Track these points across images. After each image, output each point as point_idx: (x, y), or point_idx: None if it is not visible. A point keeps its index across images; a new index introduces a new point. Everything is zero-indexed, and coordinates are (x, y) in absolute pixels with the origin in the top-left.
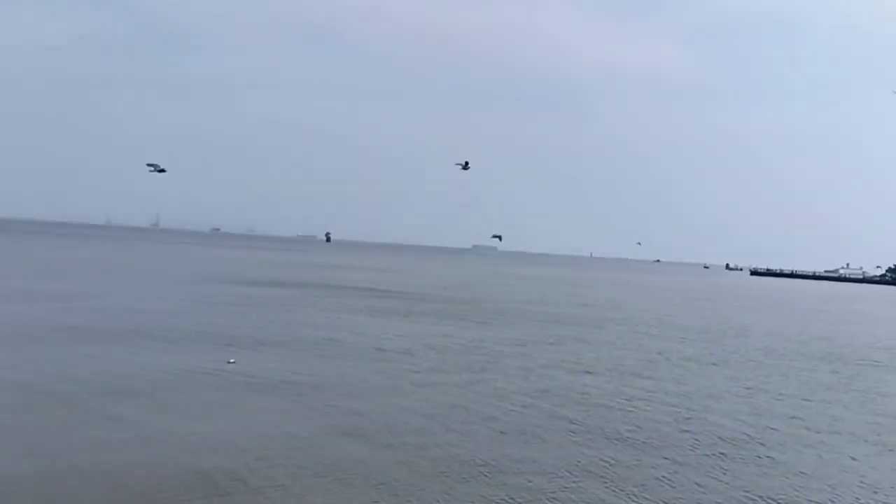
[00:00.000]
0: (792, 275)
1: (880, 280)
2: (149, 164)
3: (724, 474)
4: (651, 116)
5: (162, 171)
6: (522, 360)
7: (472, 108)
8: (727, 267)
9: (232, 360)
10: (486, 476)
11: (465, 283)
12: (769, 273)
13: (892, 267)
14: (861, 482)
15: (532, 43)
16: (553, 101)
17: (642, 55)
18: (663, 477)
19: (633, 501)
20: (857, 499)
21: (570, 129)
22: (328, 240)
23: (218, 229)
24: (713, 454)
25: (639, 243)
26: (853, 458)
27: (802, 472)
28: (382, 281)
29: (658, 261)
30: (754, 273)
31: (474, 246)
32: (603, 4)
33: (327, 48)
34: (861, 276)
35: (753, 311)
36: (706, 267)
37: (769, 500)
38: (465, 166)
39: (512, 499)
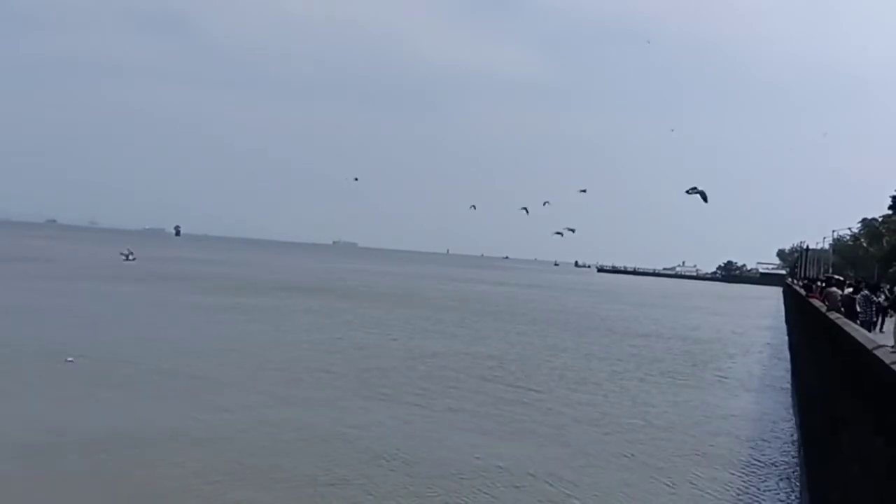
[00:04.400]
0: (635, 272)
1: (711, 277)
2: None
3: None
4: (504, 117)
5: None
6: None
7: (324, 99)
8: (576, 264)
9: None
10: None
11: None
12: (615, 270)
13: (722, 265)
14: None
15: (383, 38)
16: (403, 98)
17: (497, 57)
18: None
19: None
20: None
21: (422, 126)
22: (178, 233)
23: (54, 220)
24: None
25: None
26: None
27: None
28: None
29: (507, 257)
30: (601, 270)
31: (335, 242)
32: (459, 5)
33: (178, 36)
34: (695, 274)
35: (605, 301)
36: (556, 264)
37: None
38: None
39: None
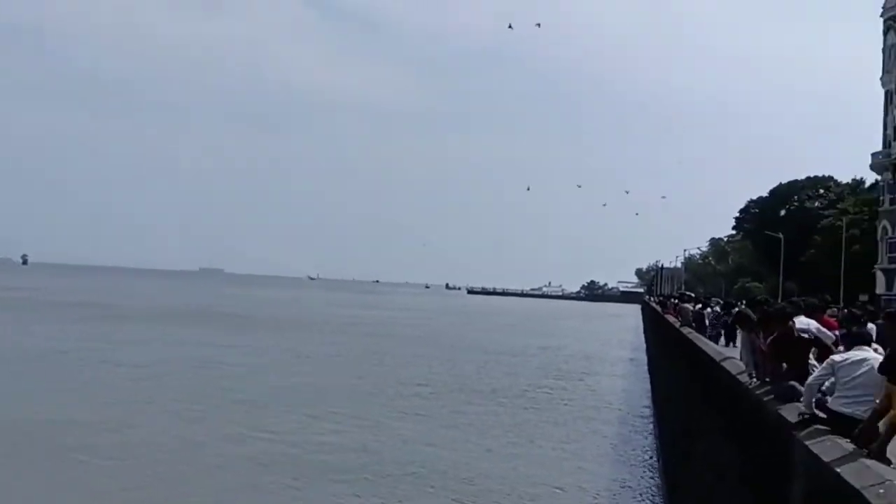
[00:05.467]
0: (504, 293)
1: (576, 296)
2: None
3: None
4: (378, 141)
5: None
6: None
7: (186, 123)
8: (447, 286)
9: None
10: None
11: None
12: (484, 292)
13: (586, 284)
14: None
15: (255, 61)
16: (278, 120)
17: (371, 83)
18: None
19: None
20: None
21: (294, 150)
22: (25, 262)
23: None
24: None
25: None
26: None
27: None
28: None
29: (377, 281)
30: (471, 292)
31: (201, 269)
32: (333, 28)
33: (30, 54)
34: (561, 293)
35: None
36: (427, 287)
37: None
38: None
39: None
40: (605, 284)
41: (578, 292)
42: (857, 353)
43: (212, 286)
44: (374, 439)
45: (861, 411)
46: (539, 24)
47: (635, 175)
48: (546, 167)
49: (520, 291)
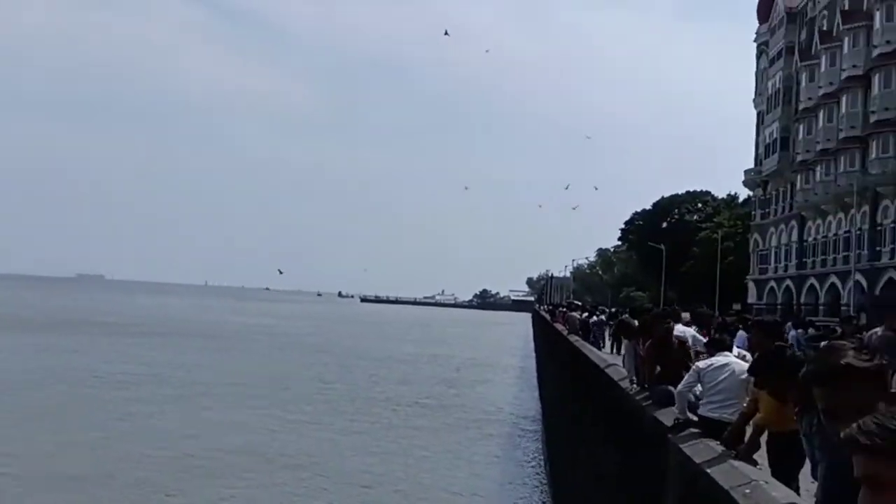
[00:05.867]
0: (397, 301)
1: (468, 304)
2: None
3: None
4: (269, 145)
5: None
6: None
7: (63, 120)
8: (340, 294)
9: None
10: None
11: None
12: (377, 300)
13: (478, 293)
14: None
15: (144, 57)
16: (156, 119)
17: (263, 85)
18: None
19: None
20: None
21: (181, 151)
22: None
23: None
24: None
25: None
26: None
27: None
28: None
29: (267, 289)
30: (364, 300)
31: (79, 275)
32: (224, 30)
33: None
34: (453, 302)
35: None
36: (319, 294)
37: None
38: None
39: None
40: (497, 293)
41: (471, 301)
42: (719, 359)
43: (91, 293)
44: (267, 448)
45: (727, 415)
46: (447, 33)
47: (530, 185)
48: (439, 176)
49: (413, 300)
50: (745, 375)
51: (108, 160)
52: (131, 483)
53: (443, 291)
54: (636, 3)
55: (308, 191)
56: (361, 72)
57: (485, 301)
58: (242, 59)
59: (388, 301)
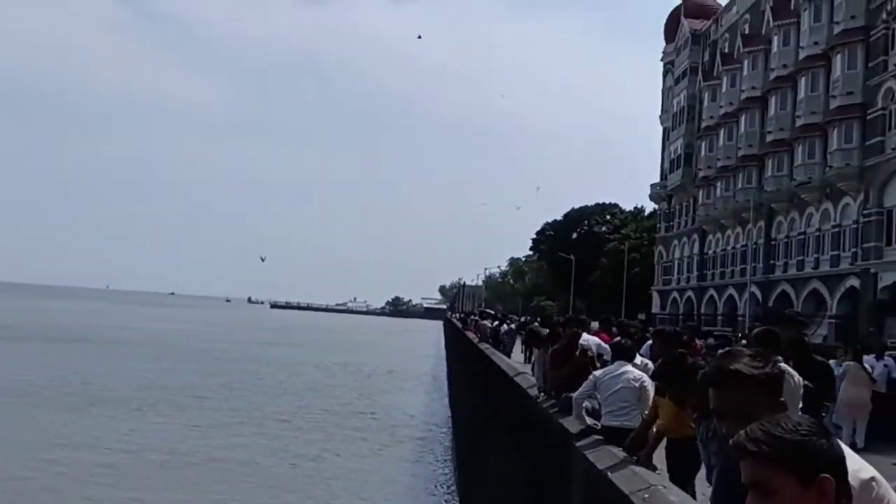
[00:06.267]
0: (308, 307)
1: (380, 312)
2: None
3: None
4: (181, 145)
5: None
6: None
7: None
8: (249, 300)
9: None
10: None
11: None
12: (288, 306)
13: (390, 300)
14: None
15: (57, 54)
16: (65, 119)
17: (175, 83)
18: None
19: None
20: None
21: (89, 150)
22: None
23: None
24: None
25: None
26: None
27: None
28: None
29: (173, 293)
30: (274, 306)
31: None
32: (135, 25)
33: None
34: (366, 309)
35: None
36: (228, 300)
37: None
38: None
39: None
40: (410, 301)
41: (383, 308)
42: (616, 368)
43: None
44: (171, 457)
45: (627, 422)
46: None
47: (444, 192)
48: (355, 182)
49: (325, 306)
50: (638, 383)
51: (5, 159)
52: (29, 490)
53: (355, 298)
54: (552, 17)
55: (219, 194)
56: (276, 75)
57: (397, 308)
58: (150, 57)
59: (299, 307)
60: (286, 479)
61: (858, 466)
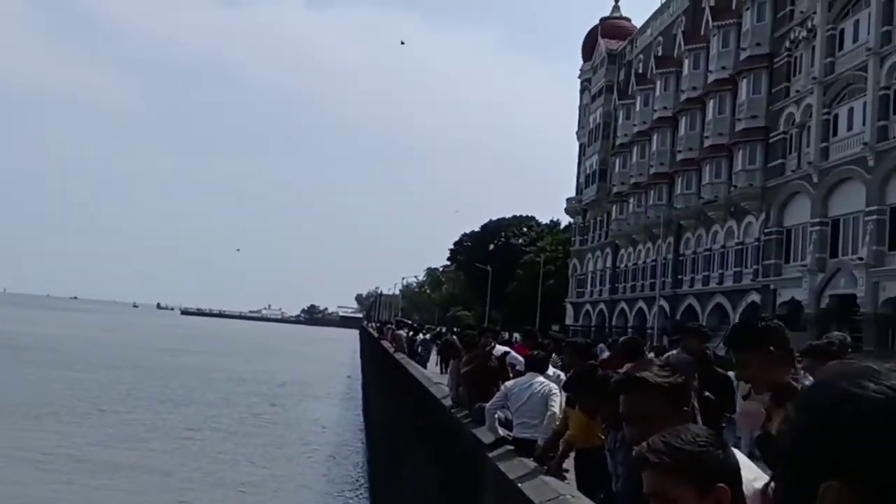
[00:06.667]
0: (221, 314)
1: (295, 320)
2: None
3: None
4: (85, 143)
5: None
6: None
7: None
8: (158, 306)
9: None
10: None
11: None
12: (200, 313)
13: (306, 308)
14: None
15: None
16: None
17: (84, 82)
18: None
19: None
20: None
21: None
22: None
23: None
24: None
25: (237, 249)
26: None
27: None
28: None
29: (76, 297)
30: (185, 313)
31: None
32: (36, 21)
33: None
34: (280, 316)
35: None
36: (136, 306)
37: None
38: None
39: None
40: (326, 309)
41: (298, 316)
42: (527, 379)
43: None
44: (71, 468)
45: (536, 434)
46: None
47: (361, 201)
48: (270, 188)
49: (238, 313)
50: (542, 394)
51: None
52: None
53: (269, 306)
54: (466, 32)
55: (128, 195)
56: (189, 76)
57: (312, 317)
58: (64, 53)
59: (211, 314)
60: (193, 491)
61: (753, 476)
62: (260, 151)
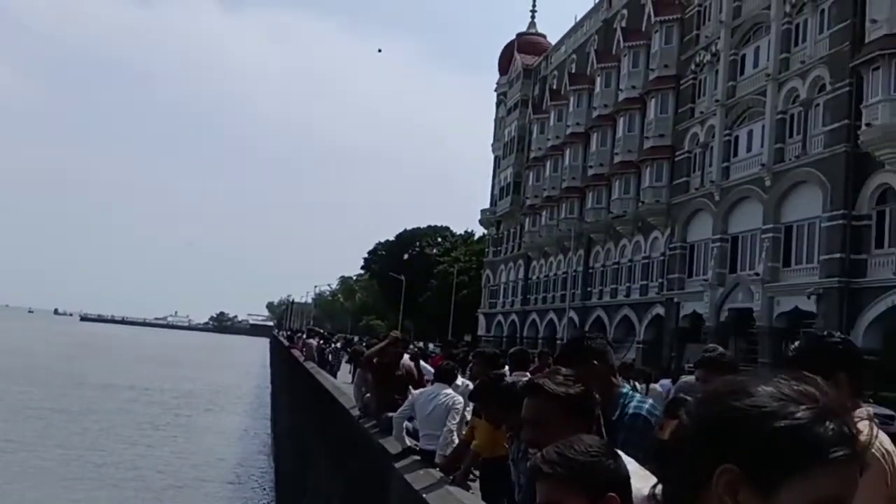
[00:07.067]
0: (123, 321)
1: (203, 327)
2: None
3: None
4: None
5: None
6: None
7: None
8: (56, 312)
9: None
10: None
11: None
12: (101, 319)
13: (215, 316)
14: None
15: None
16: None
17: None
18: None
19: None
20: None
21: None
22: None
23: None
24: None
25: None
26: None
27: None
28: None
29: None
30: (85, 319)
31: None
32: None
33: None
34: (188, 324)
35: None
36: (31, 311)
37: None
38: None
39: None
40: (236, 316)
41: (207, 323)
42: (433, 390)
43: None
44: None
45: (438, 446)
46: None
47: (272, 206)
48: (180, 190)
49: (142, 320)
50: (446, 407)
51: None
52: None
53: (176, 313)
54: (384, 41)
55: (25, 195)
56: (98, 74)
57: (222, 324)
58: None
59: (113, 321)
60: (92, 500)
61: (643, 484)
62: (164, 152)
